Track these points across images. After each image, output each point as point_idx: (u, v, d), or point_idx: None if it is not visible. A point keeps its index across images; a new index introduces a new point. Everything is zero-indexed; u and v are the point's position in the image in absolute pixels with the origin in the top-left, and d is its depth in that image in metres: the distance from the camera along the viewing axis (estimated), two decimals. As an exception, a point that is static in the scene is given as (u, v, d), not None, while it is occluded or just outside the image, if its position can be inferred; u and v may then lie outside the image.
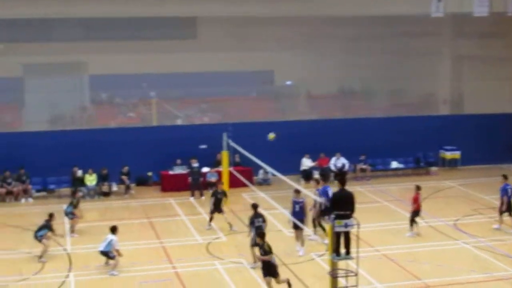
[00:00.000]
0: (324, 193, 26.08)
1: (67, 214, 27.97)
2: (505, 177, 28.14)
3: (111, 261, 23.47)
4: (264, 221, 24.04)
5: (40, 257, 24.59)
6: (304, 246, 24.94)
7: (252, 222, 23.82)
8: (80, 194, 30.62)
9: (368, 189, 35.18)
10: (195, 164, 34.39)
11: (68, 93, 38.90)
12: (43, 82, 39.26)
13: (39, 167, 34.46)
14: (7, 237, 27.68)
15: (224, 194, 28.58)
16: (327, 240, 23.73)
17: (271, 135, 30.15)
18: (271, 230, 27.11)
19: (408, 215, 27.81)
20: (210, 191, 29.89)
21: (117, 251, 23.36)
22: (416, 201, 27.12)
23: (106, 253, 23.46)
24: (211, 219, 28.14)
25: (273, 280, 20.76)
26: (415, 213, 27.19)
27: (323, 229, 25.85)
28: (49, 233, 24.99)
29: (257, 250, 22.36)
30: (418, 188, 27.42)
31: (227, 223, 27.99)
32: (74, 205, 28.03)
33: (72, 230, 27.84)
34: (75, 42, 37.90)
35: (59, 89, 38.43)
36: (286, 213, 26.11)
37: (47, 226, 25.00)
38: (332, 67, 40.46)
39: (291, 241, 25.48)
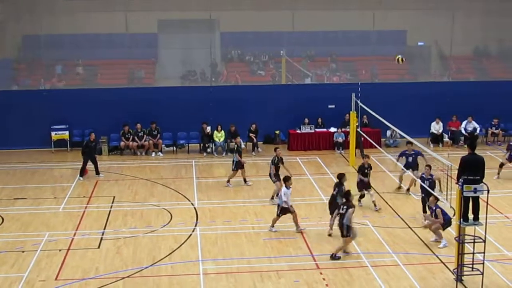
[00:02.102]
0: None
1: (233, 162, 28.65)
2: None
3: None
4: None
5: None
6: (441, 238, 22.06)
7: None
8: (239, 139, 30.25)
9: (499, 154, 34.07)
10: None
11: (199, 50, 39.44)
12: (176, 39, 39.95)
13: (170, 122, 35.13)
14: (138, 189, 28.41)
15: (371, 167, 26.38)
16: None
17: (400, 58, 29.23)
18: (399, 193, 27.03)
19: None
20: (338, 152, 29.74)
21: (285, 202, 22.73)
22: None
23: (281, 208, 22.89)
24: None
25: None
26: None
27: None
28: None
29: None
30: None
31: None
32: (239, 152, 28.77)
33: (228, 180, 28.61)
34: (209, -1, 38.46)
35: (191, 46, 39.02)
36: (412, 175, 25.77)
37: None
38: (468, 28, 39.35)
39: (417, 204, 25.08)
